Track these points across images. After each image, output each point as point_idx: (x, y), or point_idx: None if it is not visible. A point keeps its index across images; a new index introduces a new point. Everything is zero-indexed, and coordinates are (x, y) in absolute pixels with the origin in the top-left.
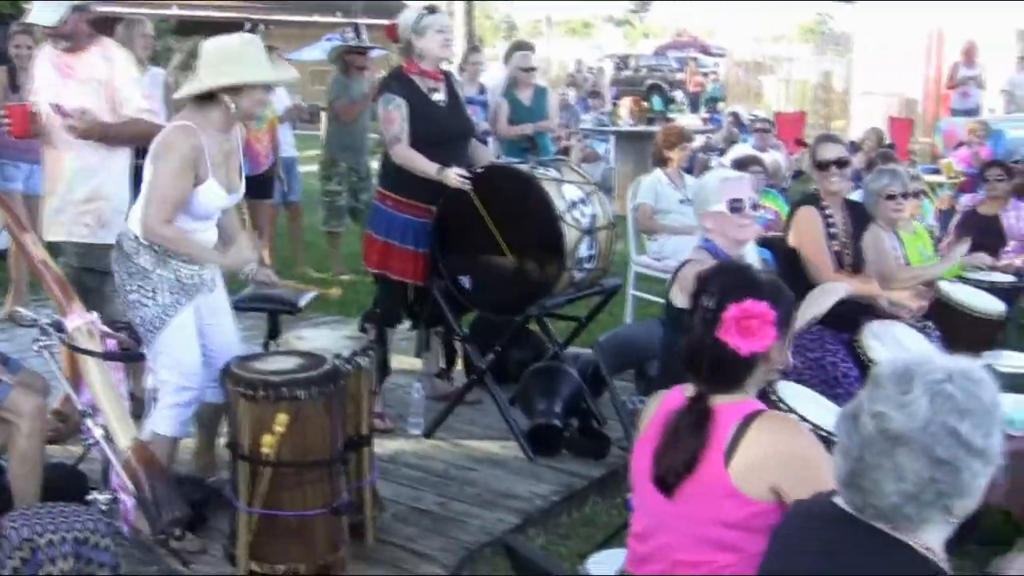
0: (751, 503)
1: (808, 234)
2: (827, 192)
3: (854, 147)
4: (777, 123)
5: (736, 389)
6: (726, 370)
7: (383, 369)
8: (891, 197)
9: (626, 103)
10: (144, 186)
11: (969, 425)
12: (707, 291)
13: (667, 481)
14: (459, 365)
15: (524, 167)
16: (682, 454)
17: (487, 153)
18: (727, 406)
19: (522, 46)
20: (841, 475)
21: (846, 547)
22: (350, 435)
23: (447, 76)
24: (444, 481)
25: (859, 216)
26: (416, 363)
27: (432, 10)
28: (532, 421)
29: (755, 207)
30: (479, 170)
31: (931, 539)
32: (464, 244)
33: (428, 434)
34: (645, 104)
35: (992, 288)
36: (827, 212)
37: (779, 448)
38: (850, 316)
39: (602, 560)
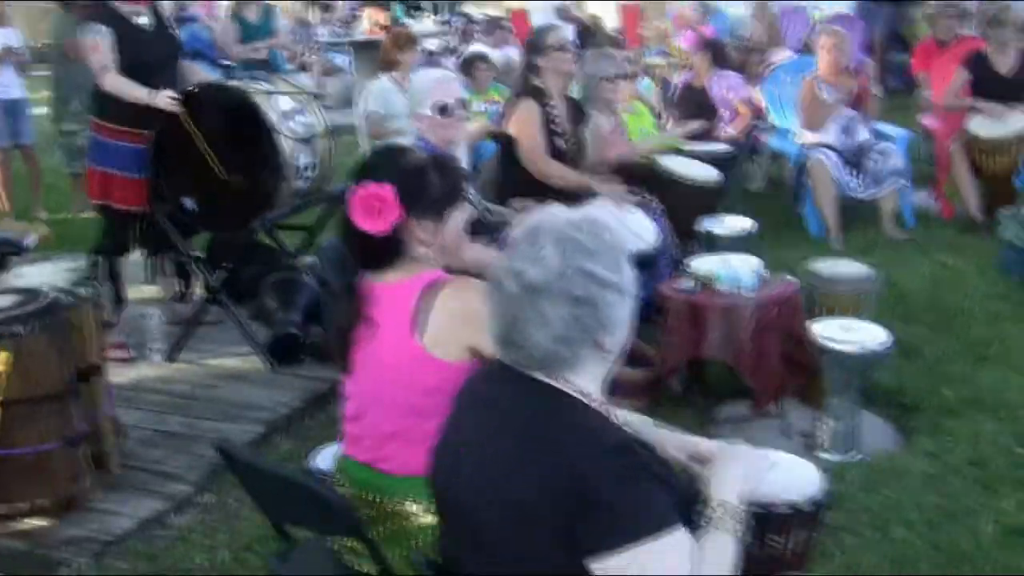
0: (448, 366)
1: (525, 124)
2: (558, 73)
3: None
4: (512, 21)
5: (389, 268)
6: (369, 252)
7: (119, 299)
8: (605, 80)
9: (368, 13)
10: None
11: (598, 263)
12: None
13: (342, 359)
14: (199, 288)
15: (234, 83)
16: (339, 331)
17: (200, 73)
18: (391, 285)
19: None
20: (498, 336)
21: (508, 400)
22: (79, 367)
23: (152, 1)
24: (188, 402)
25: (579, 111)
26: (155, 291)
27: None
28: (272, 333)
29: (463, 105)
30: (191, 89)
31: (587, 381)
32: (184, 166)
33: (170, 358)
34: (386, 13)
35: (712, 159)
36: (549, 105)
37: (469, 308)
38: (570, 198)
39: (327, 453)
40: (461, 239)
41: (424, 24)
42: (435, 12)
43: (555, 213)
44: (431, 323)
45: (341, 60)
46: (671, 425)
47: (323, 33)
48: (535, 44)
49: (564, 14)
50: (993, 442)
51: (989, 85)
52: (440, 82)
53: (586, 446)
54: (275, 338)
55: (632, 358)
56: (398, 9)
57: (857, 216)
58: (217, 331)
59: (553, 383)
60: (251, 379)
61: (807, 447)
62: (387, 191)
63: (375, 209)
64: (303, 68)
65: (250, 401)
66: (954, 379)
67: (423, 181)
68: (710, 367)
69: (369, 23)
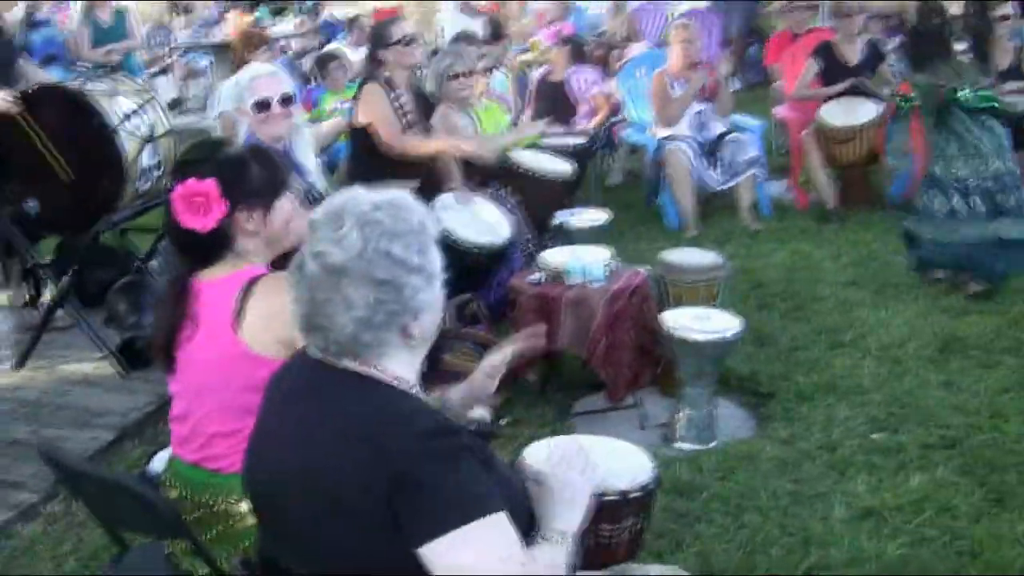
0: (268, 362)
1: (374, 106)
2: (402, 66)
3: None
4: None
5: (214, 264)
6: (195, 249)
7: None
8: (455, 76)
9: (233, 16)
10: None
11: (401, 245)
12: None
13: (165, 359)
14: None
15: (73, 83)
16: (163, 330)
17: (40, 74)
18: (215, 280)
19: None
20: (301, 323)
21: (317, 390)
22: None
23: None
24: (36, 409)
25: (426, 103)
26: (3, 297)
27: None
28: (122, 337)
29: (286, 101)
30: (29, 91)
31: (399, 367)
32: (26, 169)
33: (19, 366)
34: (250, 16)
35: (567, 152)
36: (395, 93)
37: (279, 301)
38: (428, 190)
39: (163, 455)
40: (294, 223)
41: (285, 26)
42: (299, 13)
43: (359, 194)
44: (248, 319)
45: (203, 63)
46: (528, 419)
47: (183, 36)
48: (379, 38)
49: (467, 9)
50: (845, 427)
51: (838, 75)
52: (260, 78)
53: (400, 431)
54: (125, 342)
55: (486, 353)
56: (263, 11)
57: (715, 207)
58: (68, 337)
59: (363, 370)
60: (102, 384)
61: (664, 437)
62: (209, 185)
63: (199, 206)
64: (165, 71)
65: (101, 407)
66: (808, 365)
67: (244, 172)
68: (566, 360)
69: (234, 25)
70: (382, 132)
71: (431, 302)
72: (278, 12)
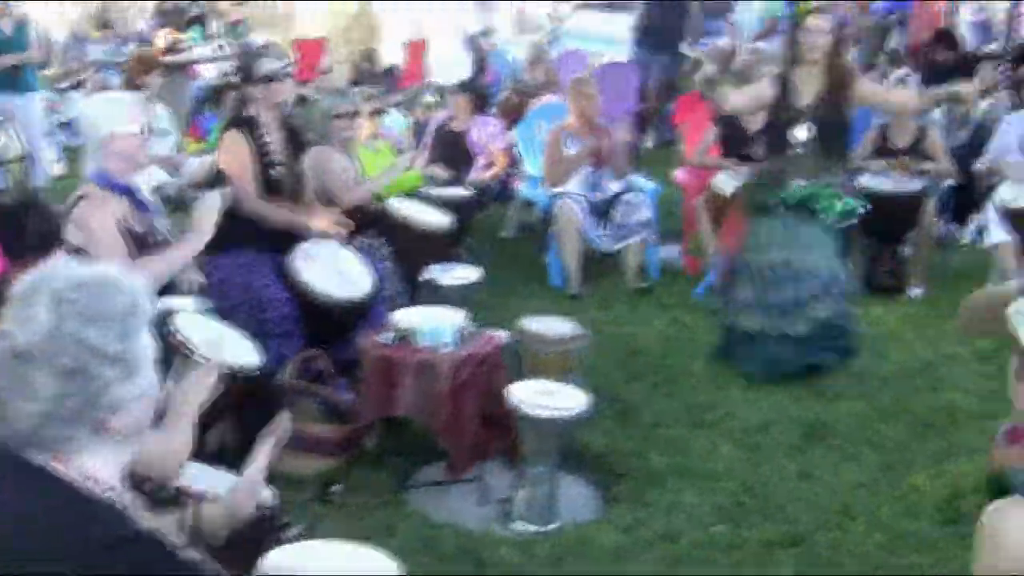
0: None
1: (234, 158)
2: (270, 104)
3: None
4: (298, 49)
5: None
6: None
7: None
8: (339, 116)
9: (163, 34)
10: None
11: (98, 331)
12: None
13: None
14: None
15: None
16: None
17: None
18: None
19: None
20: None
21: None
22: None
23: None
24: None
25: (298, 141)
26: None
27: None
28: None
29: (140, 134)
30: None
31: (96, 464)
32: None
33: None
34: (183, 35)
35: (453, 204)
36: (261, 135)
37: None
38: (287, 237)
39: None
40: None
41: (204, 49)
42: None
43: (59, 269)
44: None
45: (116, 80)
46: (364, 487)
47: (99, 51)
48: (246, 72)
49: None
50: (689, 515)
51: (738, 144)
52: (112, 108)
53: (85, 540)
54: None
55: (332, 412)
56: (194, 32)
57: (603, 268)
58: None
59: (52, 466)
60: None
61: (503, 514)
62: None
63: None
64: (78, 85)
65: None
66: (666, 444)
67: (17, 226)
68: (409, 425)
69: (164, 43)
70: (237, 187)
71: (132, 397)
72: (207, 37)
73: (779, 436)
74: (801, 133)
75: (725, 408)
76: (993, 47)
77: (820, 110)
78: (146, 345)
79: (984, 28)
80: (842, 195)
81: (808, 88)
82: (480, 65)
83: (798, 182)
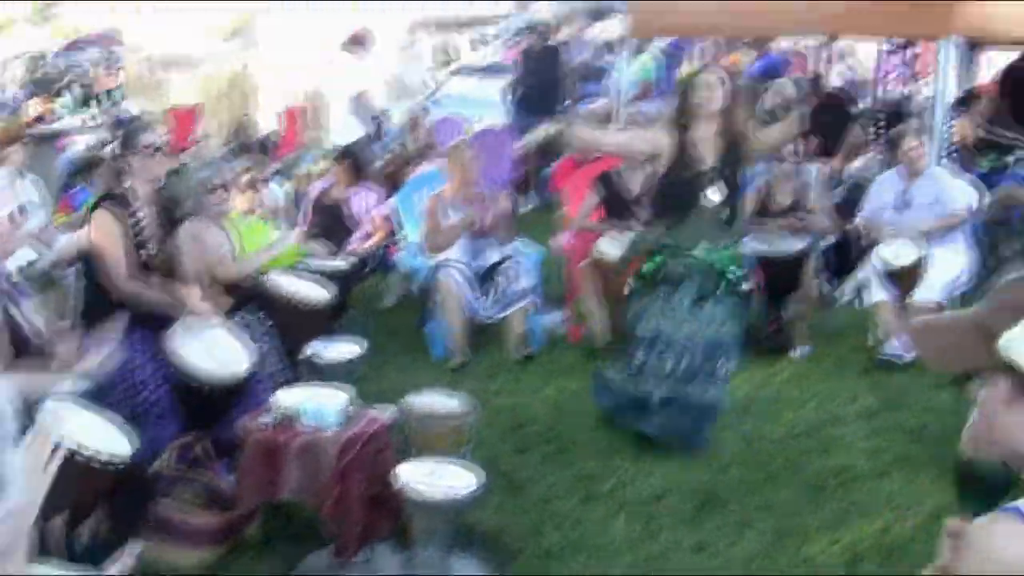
0: None
1: (104, 236)
2: (146, 178)
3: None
4: (174, 118)
5: None
6: None
7: None
8: (213, 189)
9: (34, 103)
10: None
11: None
12: None
13: None
14: None
15: None
16: None
17: None
18: None
19: None
20: None
21: None
22: None
23: None
24: None
25: (171, 215)
26: None
27: None
28: None
29: (17, 214)
30: None
31: None
32: None
33: None
34: (54, 104)
35: (332, 275)
36: (133, 211)
37: None
38: (161, 316)
39: None
40: None
41: (73, 119)
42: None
43: None
44: None
45: None
46: None
47: None
48: (128, 141)
49: None
50: None
51: (620, 206)
52: None
53: None
54: None
55: (213, 497)
56: (67, 100)
57: (486, 337)
58: None
59: None
60: None
61: None
62: None
63: None
64: None
65: None
66: (560, 518)
67: None
68: (294, 509)
69: (34, 113)
70: (108, 269)
71: None
72: (85, 102)
73: (675, 506)
74: (715, 195)
75: (617, 477)
76: (862, 107)
77: (726, 170)
78: (7, 463)
79: (852, 86)
80: (739, 257)
81: (705, 148)
82: (377, 126)
83: (704, 244)
